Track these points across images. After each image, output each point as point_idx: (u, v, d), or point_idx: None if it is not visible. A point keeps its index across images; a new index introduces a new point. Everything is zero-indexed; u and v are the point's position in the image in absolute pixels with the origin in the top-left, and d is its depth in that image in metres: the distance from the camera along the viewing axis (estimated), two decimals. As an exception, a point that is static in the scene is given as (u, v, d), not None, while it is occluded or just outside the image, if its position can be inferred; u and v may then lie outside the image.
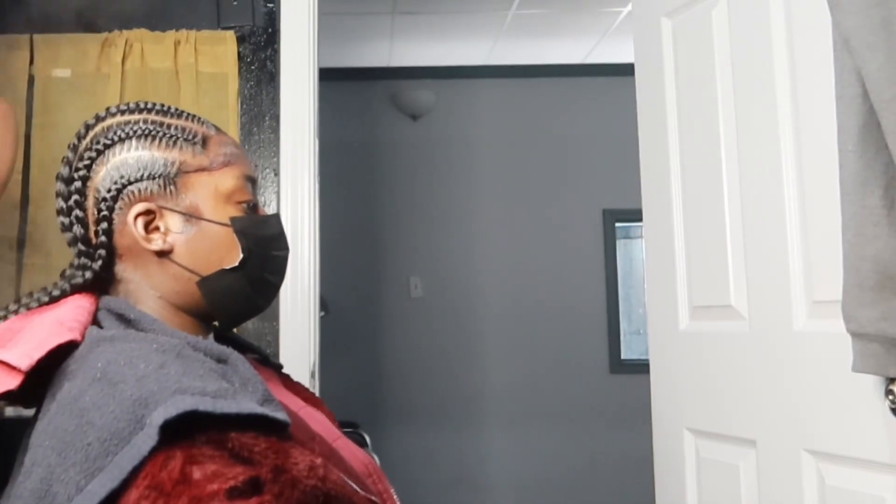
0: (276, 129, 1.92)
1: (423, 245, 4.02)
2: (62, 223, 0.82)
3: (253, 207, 0.85)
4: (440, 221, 4.03)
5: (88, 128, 0.83)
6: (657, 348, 1.62)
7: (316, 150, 1.96)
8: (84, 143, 0.82)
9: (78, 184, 0.81)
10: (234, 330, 1.57)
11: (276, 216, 0.89)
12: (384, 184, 4.06)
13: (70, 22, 1.93)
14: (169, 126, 0.82)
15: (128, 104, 0.84)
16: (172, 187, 0.80)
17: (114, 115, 0.83)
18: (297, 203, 1.90)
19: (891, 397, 1.01)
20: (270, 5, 1.96)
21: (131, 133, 0.81)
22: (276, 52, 1.95)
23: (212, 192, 0.82)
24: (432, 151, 4.08)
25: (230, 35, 1.91)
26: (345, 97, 4.02)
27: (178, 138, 0.82)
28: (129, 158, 0.80)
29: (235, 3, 1.95)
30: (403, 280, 4.01)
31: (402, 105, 4.06)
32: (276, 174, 1.91)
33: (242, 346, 0.93)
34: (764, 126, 1.32)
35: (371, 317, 3.99)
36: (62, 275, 0.84)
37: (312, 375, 1.87)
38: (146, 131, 0.81)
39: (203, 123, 0.86)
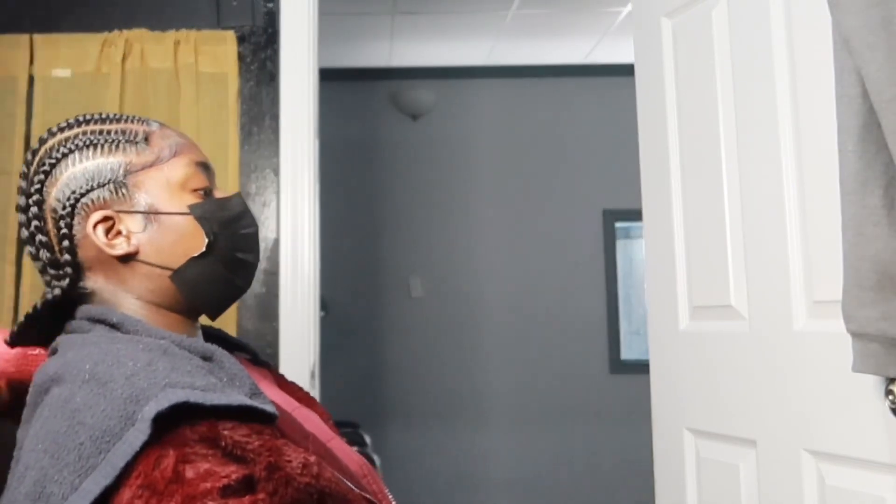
0: (276, 129, 1.92)
1: (423, 245, 4.02)
2: (30, 252, 0.82)
3: (210, 193, 0.84)
4: (440, 221, 4.03)
5: (34, 153, 0.83)
6: (657, 348, 1.62)
7: (316, 150, 1.96)
8: (32, 168, 0.83)
9: (35, 209, 0.81)
10: (232, 331, 1.55)
11: (238, 195, 0.88)
12: (384, 184, 4.06)
13: (70, 22, 1.93)
14: (108, 132, 0.83)
15: (67, 121, 0.85)
16: (124, 190, 0.80)
17: (54, 134, 0.84)
18: (297, 203, 1.90)
19: (891, 397, 1.01)
20: (270, 5, 1.96)
21: (73, 147, 0.81)
22: (276, 52, 1.95)
23: (164, 184, 0.82)
24: (432, 151, 4.08)
25: (230, 35, 1.91)
26: (345, 97, 4.02)
27: (119, 141, 0.82)
28: (75, 172, 0.80)
29: (235, 3, 1.95)
30: (403, 280, 4.01)
31: (402, 105, 4.06)
32: (276, 174, 1.91)
33: (231, 345, 0.93)
34: (764, 126, 1.32)
35: (371, 317, 3.99)
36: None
37: (312, 375, 1.87)
38: (86, 142, 0.81)
39: (144, 122, 0.86)
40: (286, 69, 1.94)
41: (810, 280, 1.23)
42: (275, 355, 1.84)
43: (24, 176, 0.83)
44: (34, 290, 1.80)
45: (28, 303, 1.81)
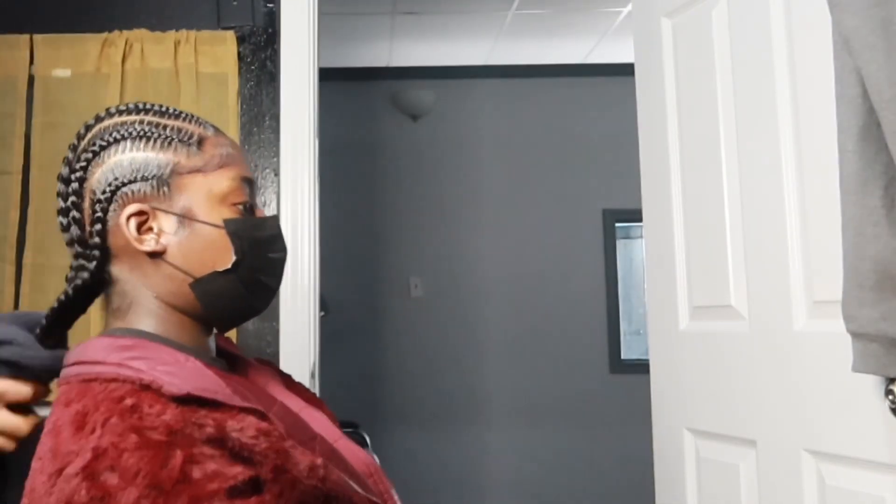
0: (276, 129, 1.92)
1: (423, 245, 4.02)
2: (61, 223, 0.82)
3: (249, 209, 0.84)
4: (440, 221, 4.03)
5: (88, 129, 0.83)
6: (657, 348, 1.62)
7: (316, 150, 1.96)
8: (82, 144, 0.82)
9: (75, 185, 0.81)
10: (233, 331, 1.56)
11: (275, 218, 0.88)
12: (384, 184, 4.06)
13: (70, 22, 1.93)
14: (165, 127, 0.82)
15: (126, 105, 0.84)
16: (166, 188, 0.80)
17: (112, 115, 0.83)
18: (297, 203, 1.90)
19: (891, 397, 1.01)
20: (270, 5, 1.96)
21: (126, 134, 0.81)
22: (276, 52, 1.95)
23: (206, 193, 0.81)
24: (432, 151, 4.08)
25: (230, 35, 1.91)
26: (345, 97, 4.02)
27: (172, 139, 0.82)
28: (123, 160, 0.80)
29: (235, 3, 1.95)
30: (403, 280, 4.01)
31: (402, 105, 4.06)
32: (276, 174, 1.91)
33: (236, 356, 0.93)
34: (764, 126, 1.32)
35: (371, 317, 3.99)
36: (67, 279, 0.84)
37: (312, 375, 1.87)
38: (141, 133, 0.81)
39: (201, 124, 0.85)
40: (286, 69, 1.93)
41: (810, 280, 1.23)
42: (275, 355, 1.84)
43: (73, 148, 0.83)
44: (34, 290, 1.80)
45: (28, 303, 1.80)
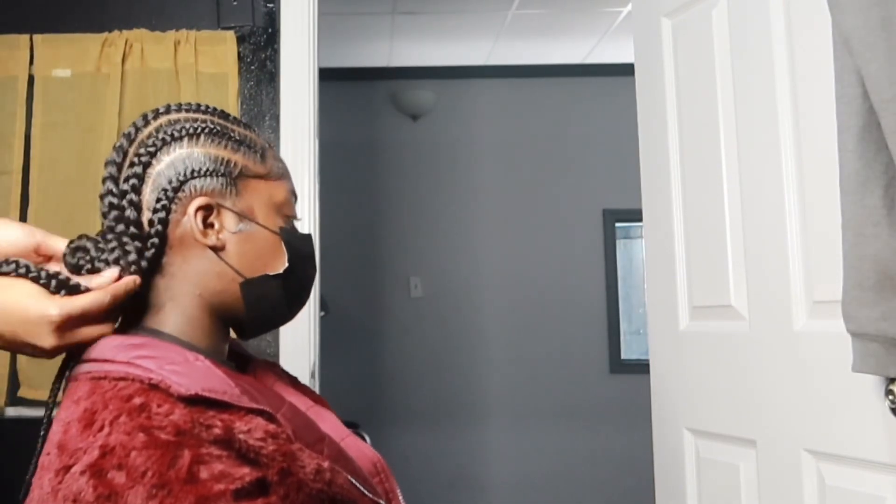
0: (276, 129, 1.92)
1: (423, 245, 4.02)
2: (110, 203, 0.79)
3: (292, 224, 0.87)
4: (440, 221, 4.03)
5: (147, 120, 0.83)
6: (657, 348, 1.62)
7: (316, 150, 1.96)
8: (147, 131, 0.82)
9: (138, 169, 0.79)
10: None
11: (311, 237, 0.90)
12: (384, 184, 4.06)
13: (70, 22, 1.93)
14: (233, 131, 0.84)
15: (190, 104, 0.86)
16: (233, 188, 0.81)
17: (178, 111, 0.84)
18: (297, 203, 1.90)
19: (891, 397, 1.01)
20: (270, 5, 1.96)
21: (200, 130, 0.81)
22: (276, 52, 1.95)
23: (266, 199, 0.83)
24: (432, 151, 4.09)
25: (230, 35, 1.91)
26: (345, 97, 4.02)
27: (242, 143, 0.84)
28: (196, 152, 0.80)
29: (235, 3, 1.95)
30: (403, 280, 4.01)
31: (402, 105, 4.06)
32: (276, 174, 1.92)
33: (245, 357, 0.93)
34: (764, 126, 1.32)
35: (371, 317, 3.99)
36: (94, 260, 0.79)
37: (312, 375, 1.87)
38: (214, 131, 0.82)
39: (260, 136, 0.88)
40: (286, 69, 1.93)
41: (810, 280, 1.23)
42: (275, 355, 1.84)
43: (128, 136, 0.82)
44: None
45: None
